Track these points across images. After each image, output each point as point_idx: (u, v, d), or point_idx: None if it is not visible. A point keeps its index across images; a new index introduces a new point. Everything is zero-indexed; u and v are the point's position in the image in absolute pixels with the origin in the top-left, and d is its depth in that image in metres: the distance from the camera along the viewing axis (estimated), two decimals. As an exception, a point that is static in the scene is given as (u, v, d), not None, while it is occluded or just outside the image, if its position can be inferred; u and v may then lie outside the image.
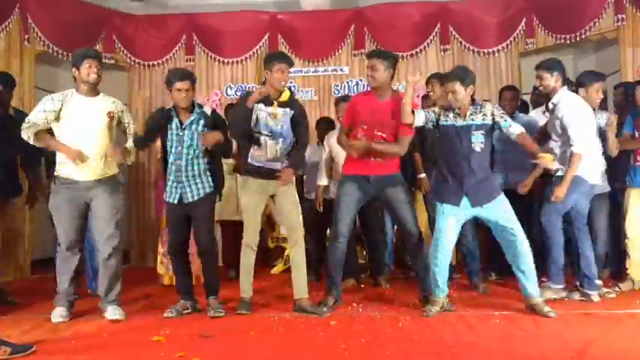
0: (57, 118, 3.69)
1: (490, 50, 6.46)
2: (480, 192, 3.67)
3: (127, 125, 3.96)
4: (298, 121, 3.93)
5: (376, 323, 3.54)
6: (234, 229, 5.53)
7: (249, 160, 3.88)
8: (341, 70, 6.61)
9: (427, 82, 4.82)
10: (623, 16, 5.72)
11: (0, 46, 5.73)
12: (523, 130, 3.72)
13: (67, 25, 6.17)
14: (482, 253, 4.69)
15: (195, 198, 3.82)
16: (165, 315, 3.78)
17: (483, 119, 3.69)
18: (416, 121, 3.74)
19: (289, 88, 4.00)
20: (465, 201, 3.68)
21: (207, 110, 4.10)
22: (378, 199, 4.05)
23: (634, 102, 4.41)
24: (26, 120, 3.67)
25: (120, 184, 4.05)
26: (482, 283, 4.45)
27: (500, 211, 3.68)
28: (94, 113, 3.75)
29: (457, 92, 3.66)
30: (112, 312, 3.72)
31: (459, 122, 3.69)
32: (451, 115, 3.73)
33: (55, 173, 3.77)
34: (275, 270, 5.72)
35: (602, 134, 4.32)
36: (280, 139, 3.84)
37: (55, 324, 3.63)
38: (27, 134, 3.64)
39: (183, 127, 3.81)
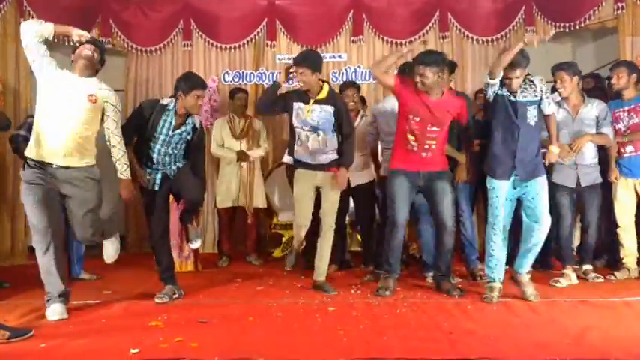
0: (45, 72, 3.41)
1: (489, 38, 6.43)
2: (527, 167, 3.75)
3: (110, 120, 3.59)
4: (339, 117, 4.02)
5: (374, 309, 3.56)
6: (229, 217, 5.58)
7: (295, 155, 4.13)
8: (339, 56, 6.56)
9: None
10: (623, 4, 5.70)
11: (-5, 30, 5.68)
12: (554, 112, 3.93)
13: (64, 10, 6.09)
14: (480, 243, 4.75)
15: (176, 171, 3.89)
16: (157, 301, 3.77)
17: (535, 95, 3.77)
18: (497, 79, 3.75)
19: (327, 83, 4.08)
20: (512, 177, 3.77)
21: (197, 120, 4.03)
22: (423, 190, 4.07)
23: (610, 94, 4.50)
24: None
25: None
26: (479, 271, 4.46)
27: (536, 192, 3.76)
28: (77, 93, 3.44)
29: (520, 77, 3.74)
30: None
31: (513, 98, 3.76)
32: (505, 89, 3.79)
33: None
34: (274, 255, 5.74)
35: (598, 124, 4.35)
36: (320, 132, 4.00)
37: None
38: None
39: (174, 130, 3.82)
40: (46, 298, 3.48)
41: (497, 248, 3.81)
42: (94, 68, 3.60)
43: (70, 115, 3.42)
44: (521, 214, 3.89)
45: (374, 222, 5.06)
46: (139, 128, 3.81)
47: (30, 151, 3.44)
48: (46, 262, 3.44)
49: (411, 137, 3.91)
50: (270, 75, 6.57)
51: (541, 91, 3.79)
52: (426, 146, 3.91)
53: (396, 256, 4.07)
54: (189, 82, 3.80)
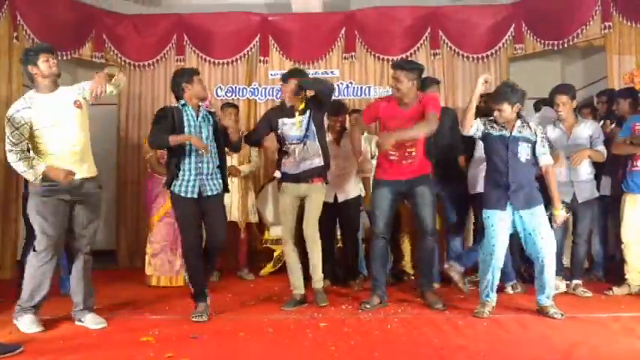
0: (31, 128, 3.45)
1: (479, 55, 6.52)
2: (521, 198, 3.75)
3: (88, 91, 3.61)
4: (316, 108, 4.09)
5: (365, 325, 3.56)
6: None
7: (282, 169, 4.16)
8: (331, 72, 6.62)
9: None
10: (610, 23, 5.83)
11: (-12, 44, 5.69)
12: (550, 164, 3.86)
13: (57, 24, 6.13)
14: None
15: (214, 192, 3.86)
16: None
17: (530, 134, 3.80)
18: (471, 130, 3.82)
19: (305, 96, 4.13)
20: (508, 205, 3.77)
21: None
22: (406, 196, 4.14)
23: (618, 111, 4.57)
24: (8, 148, 3.40)
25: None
26: (465, 283, 4.51)
27: (535, 222, 3.75)
28: (63, 108, 3.52)
29: (504, 111, 3.77)
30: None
31: (507, 133, 3.79)
32: (497, 126, 3.83)
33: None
34: (263, 272, 5.73)
35: (592, 143, 4.39)
36: (307, 140, 4.07)
37: (47, 325, 3.55)
38: (22, 167, 3.39)
39: (198, 119, 3.86)
40: (18, 307, 3.51)
41: (491, 274, 3.81)
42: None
43: (73, 127, 3.54)
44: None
45: (358, 238, 5.11)
46: (172, 129, 3.77)
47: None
48: (46, 270, 3.52)
49: (391, 150, 3.96)
50: (263, 90, 6.62)
51: (535, 134, 3.80)
52: (407, 154, 3.98)
53: (377, 267, 4.11)
54: (186, 72, 3.94)
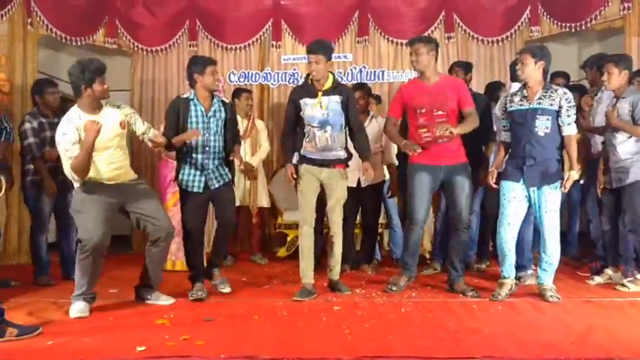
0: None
1: (494, 39, 6.42)
2: (536, 175, 3.71)
3: (142, 127, 3.74)
4: (348, 107, 3.99)
5: (379, 309, 3.57)
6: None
7: (302, 151, 4.02)
8: (344, 57, 6.56)
9: (450, 71, 4.84)
10: (629, 4, 5.69)
11: (3, 30, 5.71)
12: (573, 134, 3.76)
13: (71, 10, 6.15)
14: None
15: (221, 183, 3.93)
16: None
17: (551, 104, 3.70)
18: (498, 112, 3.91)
19: (332, 74, 4.05)
20: (522, 181, 3.74)
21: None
22: (442, 184, 4.06)
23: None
24: (66, 164, 3.45)
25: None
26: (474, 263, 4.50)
27: (540, 202, 3.73)
28: (109, 127, 3.53)
29: (527, 65, 3.70)
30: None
31: (525, 105, 3.74)
32: (517, 98, 3.78)
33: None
34: (279, 254, 5.76)
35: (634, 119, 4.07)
36: (328, 127, 3.92)
37: (64, 308, 3.59)
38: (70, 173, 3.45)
39: (208, 114, 3.87)
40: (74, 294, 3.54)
41: (506, 245, 3.79)
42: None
43: (116, 146, 3.59)
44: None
45: (378, 223, 5.09)
46: (177, 128, 3.87)
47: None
48: (87, 264, 3.50)
49: (422, 130, 3.94)
50: (276, 75, 6.59)
51: (560, 104, 3.69)
52: (439, 132, 3.86)
53: (412, 254, 4.10)
54: (200, 62, 3.92)
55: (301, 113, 3.98)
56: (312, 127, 3.94)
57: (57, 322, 3.33)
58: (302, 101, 3.97)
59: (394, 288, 3.99)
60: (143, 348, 2.76)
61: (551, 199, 3.72)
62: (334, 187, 4.03)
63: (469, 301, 3.74)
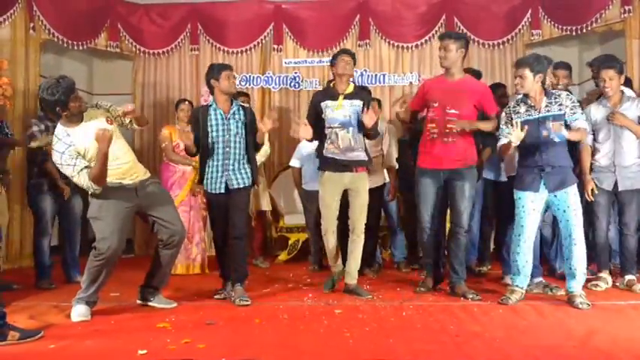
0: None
1: (495, 42, 6.44)
2: (555, 180, 3.69)
3: (118, 111, 3.68)
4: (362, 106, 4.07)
5: (380, 312, 3.57)
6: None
7: (324, 153, 4.07)
8: (345, 60, 6.57)
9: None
10: (630, 7, 5.70)
11: (5, 34, 5.71)
12: (585, 127, 3.77)
13: (73, 14, 6.18)
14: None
15: (240, 185, 3.94)
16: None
17: (560, 109, 3.70)
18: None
19: (353, 81, 4.17)
20: (542, 187, 3.71)
21: None
22: (444, 187, 4.06)
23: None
24: (71, 175, 3.43)
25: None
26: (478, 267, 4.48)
27: (567, 204, 3.69)
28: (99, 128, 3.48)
29: (525, 78, 3.69)
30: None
31: (534, 115, 3.71)
32: (522, 109, 3.76)
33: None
34: (280, 258, 5.76)
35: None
36: (350, 128, 4.00)
37: (65, 311, 3.60)
38: (89, 184, 3.43)
39: (227, 116, 3.93)
40: (77, 295, 3.53)
41: (522, 258, 3.77)
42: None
43: (116, 146, 3.54)
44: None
45: (379, 226, 5.09)
46: (200, 133, 3.94)
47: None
48: (97, 270, 3.53)
49: (431, 125, 3.96)
50: (277, 79, 6.61)
51: (565, 105, 3.69)
52: (447, 130, 3.90)
53: (429, 256, 4.15)
54: (215, 68, 4.00)
55: (323, 115, 4.05)
56: (334, 128, 4.02)
57: (58, 325, 3.34)
58: (323, 104, 4.06)
59: (422, 289, 4.11)
60: (145, 351, 2.76)
61: (575, 199, 3.71)
62: (358, 191, 4.09)
63: (470, 304, 3.74)
